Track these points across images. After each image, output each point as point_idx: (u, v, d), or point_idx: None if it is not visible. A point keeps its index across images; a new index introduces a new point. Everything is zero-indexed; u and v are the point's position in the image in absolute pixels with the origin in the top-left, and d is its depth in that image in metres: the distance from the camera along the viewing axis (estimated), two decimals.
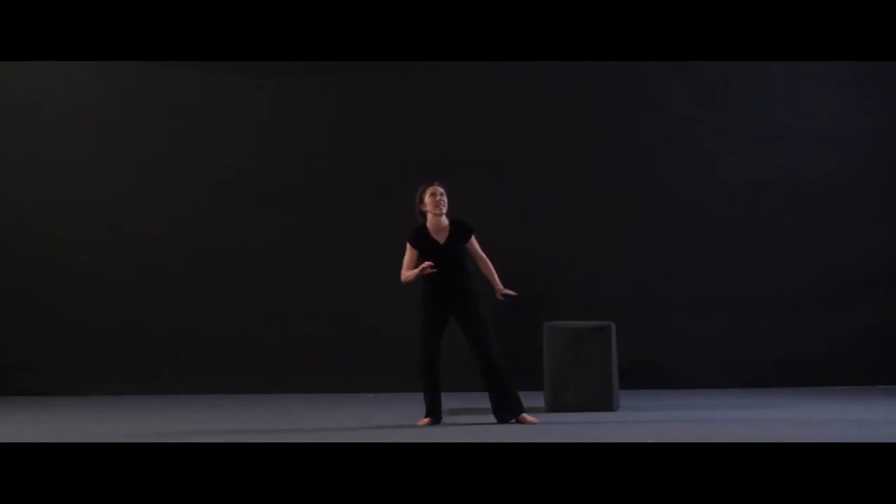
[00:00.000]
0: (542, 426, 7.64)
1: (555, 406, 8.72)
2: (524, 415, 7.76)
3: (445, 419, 8.21)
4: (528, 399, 9.48)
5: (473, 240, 7.81)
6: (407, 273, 7.70)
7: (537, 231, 10.94)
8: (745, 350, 10.83)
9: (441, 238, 7.73)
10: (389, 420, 8.28)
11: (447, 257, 7.67)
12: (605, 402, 8.66)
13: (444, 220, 7.77)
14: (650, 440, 6.64)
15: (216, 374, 10.99)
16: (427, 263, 7.55)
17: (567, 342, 8.80)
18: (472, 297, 7.74)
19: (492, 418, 8.02)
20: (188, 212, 11.23)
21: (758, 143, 10.99)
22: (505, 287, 7.88)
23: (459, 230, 7.75)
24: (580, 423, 7.74)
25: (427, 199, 7.75)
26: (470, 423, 7.95)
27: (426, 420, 7.84)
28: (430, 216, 7.77)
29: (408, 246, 7.76)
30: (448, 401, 9.73)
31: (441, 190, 7.75)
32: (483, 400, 9.85)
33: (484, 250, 7.87)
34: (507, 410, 7.77)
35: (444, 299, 7.71)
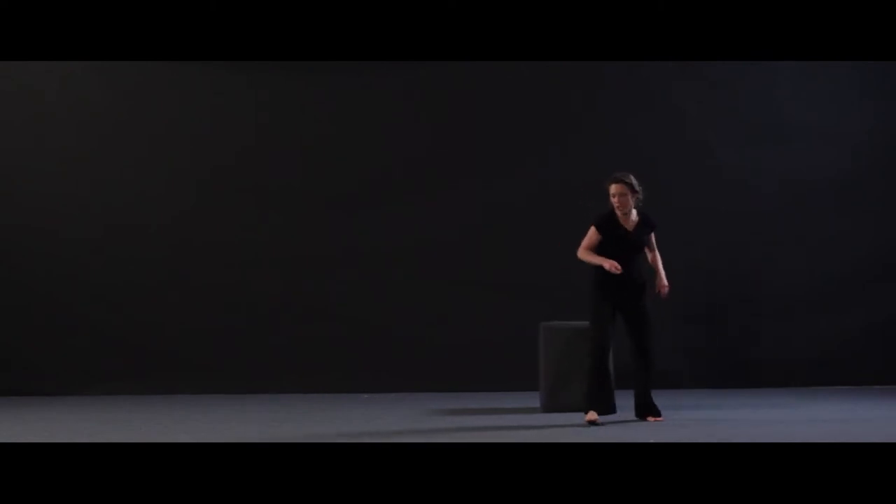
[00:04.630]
0: (541, 428, 7.64)
1: (551, 407, 8.71)
2: (653, 417, 7.87)
3: (443, 419, 8.20)
4: (525, 400, 9.51)
5: (652, 236, 8.01)
6: (591, 256, 7.77)
7: (535, 230, 10.93)
8: (744, 350, 10.82)
9: (629, 226, 7.87)
10: (390, 420, 8.28)
11: (631, 245, 7.82)
12: None
13: (634, 213, 7.89)
14: (649, 440, 6.63)
15: (216, 374, 10.97)
16: (616, 265, 7.62)
17: (563, 342, 8.79)
18: (643, 290, 7.85)
19: (489, 418, 8.03)
20: (188, 211, 11.22)
21: (758, 142, 10.98)
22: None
23: (646, 223, 7.92)
24: (577, 424, 7.73)
25: (611, 198, 7.86)
26: (469, 423, 7.94)
27: (593, 415, 7.72)
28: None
29: (593, 228, 7.84)
30: (448, 401, 9.76)
31: (618, 189, 7.78)
32: (482, 400, 9.85)
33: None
34: (644, 410, 7.89)
35: (618, 288, 7.77)
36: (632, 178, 7.85)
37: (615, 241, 7.80)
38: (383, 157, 11.10)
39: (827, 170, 10.94)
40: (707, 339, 10.83)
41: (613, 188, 7.80)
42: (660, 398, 9.72)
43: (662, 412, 7.99)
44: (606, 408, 7.82)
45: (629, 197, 7.81)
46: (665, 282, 8.00)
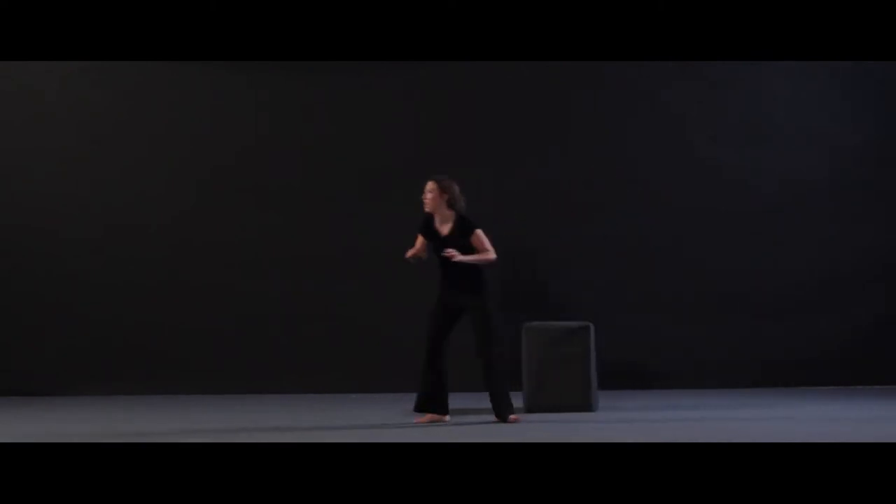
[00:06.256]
0: (524, 425, 7.65)
1: (533, 407, 8.70)
2: (511, 416, 7.90)
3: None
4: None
5: (477, 238, 7.91)
6: (407, 254, 8.00)
7: (531, 230, 10.94)
8: (743, 350, 10.81)
9: (444, 230, 7.94)
10: (388, 420, 8.28)
11: (444, 249, 7.85)
12: (583, 403, 8.66)
13: (450, 215, 7.94)
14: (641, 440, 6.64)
15: (216, 374, 10.97)
16: (413, 253, 7.91)
17: (546, 343, 8.79)
18: (477, 294, 7.88)
19: (475, 418, 8.09)
20: (186, 211, 11.22)
21: (753, 142, 10.97)
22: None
23: (461, 228, 7.91)
24: (558, 423, 7.74)
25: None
26: (460, 423, 7.95)
27: (428, 418, 7.91)
28: None
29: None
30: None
31: (429, 186, 7.95)
32: (470, 400, 9.85)
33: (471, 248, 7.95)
34: (493, 410, 7.95)
35: (450, 294, 7.92)
36: (448, 181, 7.96)
37: (434, 243, 7.97)
38: (383, 157, 11.10)
39: (827, 170, 10.93)
40: (706, 340, 10.82)
41: (427, 186, 7.96)
42: (660, 398, 9.75)
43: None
44: (438, 407, 7.96)
45: (439, 197, 7.91)
46: (458, 255, 7.82)
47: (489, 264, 7.94)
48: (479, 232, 7.90)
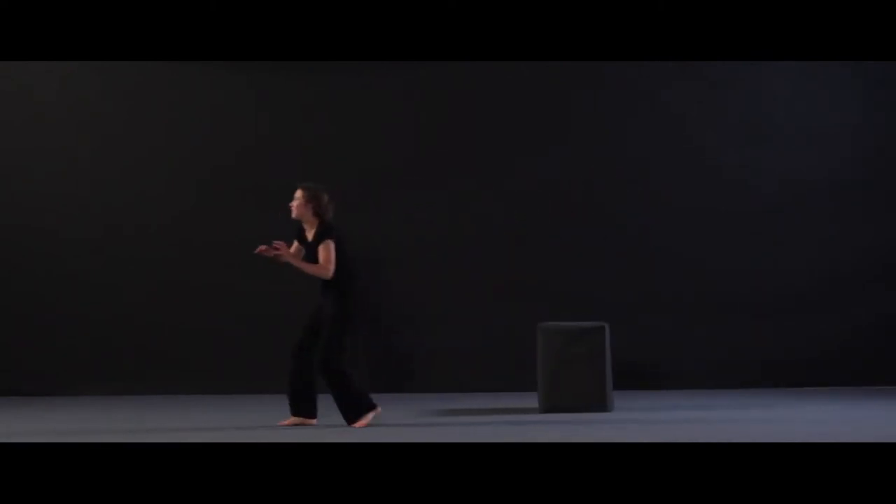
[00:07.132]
0: (541, 425, 7.63)
1: (549, 407, 8.70)
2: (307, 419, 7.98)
3: (442, 420, 8.19)
4: (522, 400, 9.51)
5: (324, 247, 7.87)
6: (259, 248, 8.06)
7: (531, 230, 10.94)
8: (743, 350, 10.81)
9: (310, 237, 8.04)
10: (389, 420, 8.28)
11: (309, 256, 7.95)
12: (599, 403, 8.66)
13: (315, 222, 8.00)
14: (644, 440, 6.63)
15: (216, 374, 10.97)
16: (262, 247, 7.91)
17: (560, 343, 8.79)
18: (328, 306, 7.88)
19: (488, 418, 8.05)
20: (188, 211, 11.21)
21: (753, 142, 10.97)
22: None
23: (319, 234, 7.95)
24: (574, 424, 7.72)
25: None
26: (468, 423, 7.94)
27: (291, 421, 7.98)
28: None
29: None
30: (446, 402, 9.76)
31: (297, 194, 8.04)
32: (480, 400, 9.86)
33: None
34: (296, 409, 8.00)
35: (320, 298, 7.99)
36: (316, 189, 8.01)
37: (304, 249, 8.02)
38: (383, 157, 11.10)
39: (827, 170, 10.93)
40: (706, 340, 10.82)
41: (295, 193, 8.05)
42: (660, 398, 9.74)
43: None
44: (303, 410, 8.00)
45: (304, 205, 7.98)
46: (284, 250, 7.91)
47: (318, 276, 7.90)
48: (329, 243, 7.85)
